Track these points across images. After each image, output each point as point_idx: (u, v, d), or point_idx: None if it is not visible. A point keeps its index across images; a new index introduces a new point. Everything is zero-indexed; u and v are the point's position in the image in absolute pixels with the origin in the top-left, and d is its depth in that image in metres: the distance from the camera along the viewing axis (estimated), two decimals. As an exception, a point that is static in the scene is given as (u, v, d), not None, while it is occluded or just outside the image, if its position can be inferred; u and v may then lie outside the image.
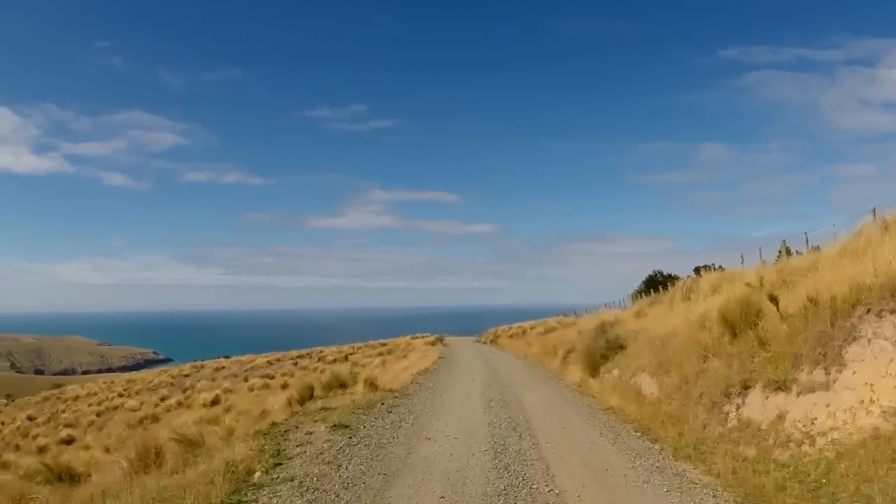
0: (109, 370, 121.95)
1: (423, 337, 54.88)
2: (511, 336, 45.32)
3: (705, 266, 49.21)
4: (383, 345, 50.13)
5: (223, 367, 53.20)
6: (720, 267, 48.49)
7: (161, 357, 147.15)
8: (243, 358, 58.81)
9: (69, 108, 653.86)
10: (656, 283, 50.99)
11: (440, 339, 48.30)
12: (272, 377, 38.47)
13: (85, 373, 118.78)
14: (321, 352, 52.98)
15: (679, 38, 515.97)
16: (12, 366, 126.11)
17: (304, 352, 55.85)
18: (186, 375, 52.07)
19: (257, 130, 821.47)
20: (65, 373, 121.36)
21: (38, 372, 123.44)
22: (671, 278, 50.28)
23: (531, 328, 43.53)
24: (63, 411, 41.39)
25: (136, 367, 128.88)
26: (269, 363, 51.81)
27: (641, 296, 52.74)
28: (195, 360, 65.99)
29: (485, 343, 50.07)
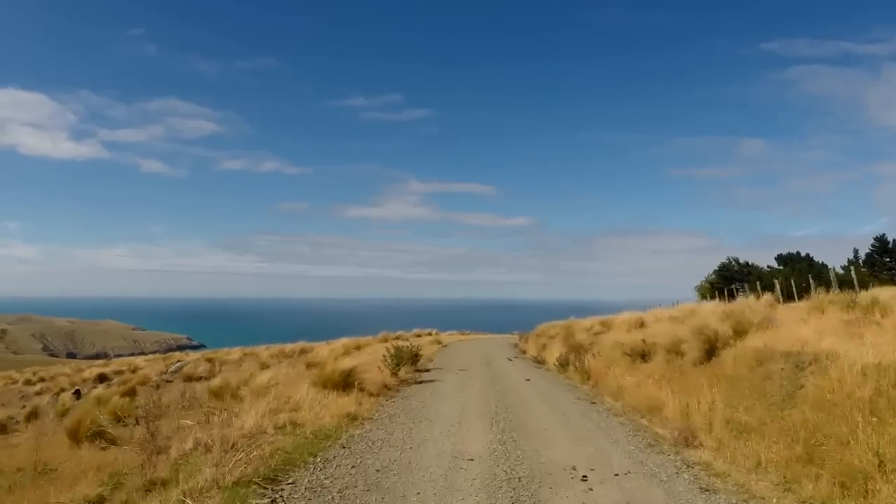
0: (142, 354, 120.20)
1: (420, 335, 42.49)
2: (640, 360, 15.11)
3: (790, 254, 44.44)
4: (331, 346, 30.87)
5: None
6: (807, 255, 43.55)
7: (194, 343, 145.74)
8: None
9: (105, 94, 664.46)
10: (730, 274, 46.23)
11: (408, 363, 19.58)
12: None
13: (117, 356, 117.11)
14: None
15: (718, 29, 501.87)
16: (45, 348, 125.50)
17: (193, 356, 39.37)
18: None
19: (293, 119, 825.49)
20: (97, 356, 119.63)
21: (71, 355, 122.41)
22: (749, 268, 45.56)
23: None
24: None
25: (169, 351, 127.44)
26: (101, 376, 32.88)
27: (713, 289, 47.94)
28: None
29: (540, 364, 22.34)
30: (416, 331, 47.48)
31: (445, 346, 34.69)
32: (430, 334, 46.85)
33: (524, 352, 28.72)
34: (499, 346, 34.57)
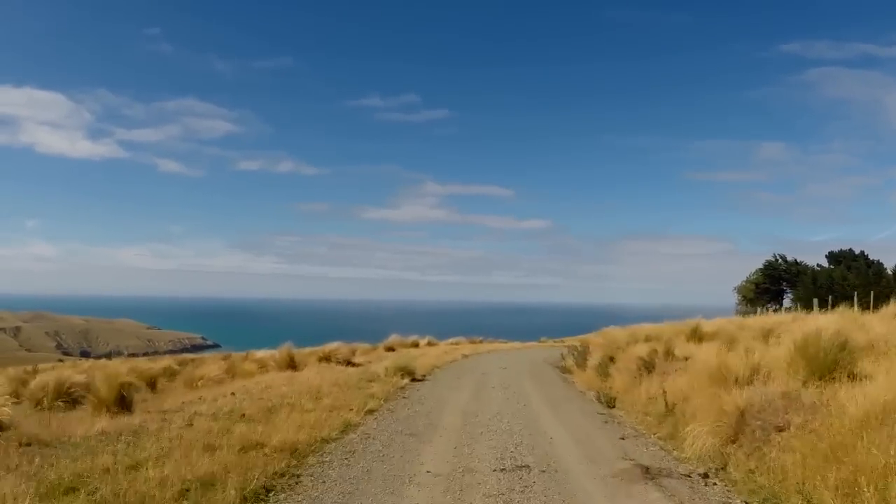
0: (156, 353, 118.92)
1: (392, 347, 29.92)
2: None
3: (842, 251, 41.26)
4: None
5: None
6: (862, 253, 40.34)
7: (209, 342, 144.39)
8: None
9: (122, 94, 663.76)
10: (777, 273, 42.86)
11: None
12: None
13: (131, 355, 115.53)
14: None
15: (738, 31, 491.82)
16: (58, 346, 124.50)
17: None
18: None
19: (309, 120, 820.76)
20: (110, 355, 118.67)
21: (85, 354, 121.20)
22: (798, 266, 42.18)
23: None
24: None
25: (184, 351, 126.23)
26: None
27: (757, 289, 44.74)
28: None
29: None
30: (392, 339, 31.65)
31: (420, 379, 17.51)
32: (415, 345, 32.10)
33: (610, 404, 12.84)
34: (536, 379, 18.00)
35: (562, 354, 25.34)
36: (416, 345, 32.33)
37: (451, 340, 39.18)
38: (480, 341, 42.27)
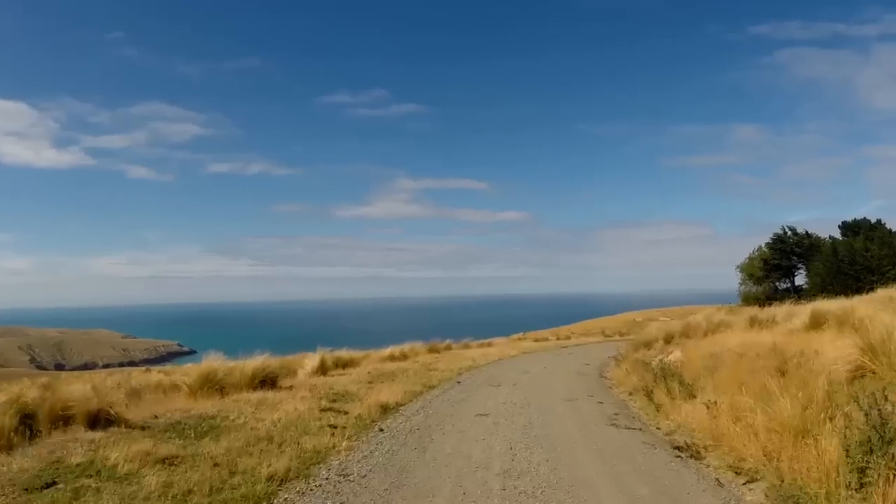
0: (132, 363, 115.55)
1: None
2: None
3: (855, 221, 39.30)
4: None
5: None
6: (879, 221, 38.39)
7: (185, 349, 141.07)
8: None
9: (87, 101, 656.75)
10: (787, 247, 40.34)
11: None
12: None
13: (106, 366, 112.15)
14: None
15: (709, 13, 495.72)
16: (32, 360, 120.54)
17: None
18: None
19: (279, 120, 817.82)
20: (85, 367, 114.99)
21: (59, 366, 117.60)
22: (809, 239, 39.95)
23: None
24: None
25: (160, 359, 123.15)
26: None
27: (766, 266, 42.61)
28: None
29: None
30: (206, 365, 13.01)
31: None
32: (270, 381, 13.46)
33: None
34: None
35: (632, 393, 13.17)
36: (271, 382, 13.86)
37: (389, 351, 22.61)
38: (448, 347, 27.64)
